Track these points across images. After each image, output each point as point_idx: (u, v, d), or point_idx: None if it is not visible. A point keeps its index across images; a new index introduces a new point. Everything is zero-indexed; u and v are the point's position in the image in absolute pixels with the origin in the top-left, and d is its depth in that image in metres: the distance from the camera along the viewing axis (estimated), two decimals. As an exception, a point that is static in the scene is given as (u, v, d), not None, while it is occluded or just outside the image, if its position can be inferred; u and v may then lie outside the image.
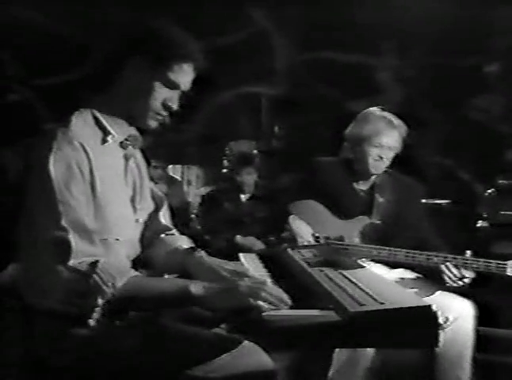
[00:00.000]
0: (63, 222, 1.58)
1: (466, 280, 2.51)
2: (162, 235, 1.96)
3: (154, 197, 1.96)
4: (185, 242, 1.98)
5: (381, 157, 2.76)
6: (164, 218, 1.98)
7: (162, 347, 1.65)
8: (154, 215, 1.94)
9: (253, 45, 5.56)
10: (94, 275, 1.57)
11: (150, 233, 1.93)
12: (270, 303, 1.54)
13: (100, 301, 1.57)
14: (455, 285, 2.52)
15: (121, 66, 1.74)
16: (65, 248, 1.57)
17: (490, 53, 5.35)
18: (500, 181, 3.87)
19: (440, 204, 4.17)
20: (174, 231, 2.00)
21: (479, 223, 3.72)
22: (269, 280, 1.67)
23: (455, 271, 2.50)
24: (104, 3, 5.34)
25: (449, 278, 2.50)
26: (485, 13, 5.19)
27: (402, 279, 2.65)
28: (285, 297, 1.57)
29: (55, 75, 5.47)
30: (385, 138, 2.75)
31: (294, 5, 5.45)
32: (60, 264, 1.57)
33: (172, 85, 1.76)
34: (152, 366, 1.64)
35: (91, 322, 1.61)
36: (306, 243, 2.60)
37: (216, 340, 1.70)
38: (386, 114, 2.80)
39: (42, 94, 5.59)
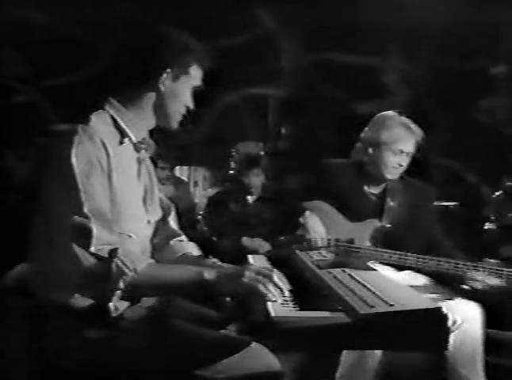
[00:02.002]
0: (85, 210, 1.63)
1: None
2: (172, 241, 2.00)
3: (162, 205, 2.02)
4: (194, 249, 2.02)
5: (400, 165, 2.76)
6: (173, 224, 2.04)
7: (170, 347, 1.67)
8: (163, 221, 2.01)
9: (259, 47, 5.56)
10: (116, 260, 1.61)
11: (160, 238, 1.98)
12: (270, 291, 1.58)
13: (122, 284, 1.61)
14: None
15: (139, 74, 1.80)
16: (86, 235, 1.62)
17: (496, 55, 5.34)
18: (507, 183, 3.86)
19: (447, 206, 4.16)
20: (183, 237, 2.05)
21: (487, 225, 3.71)
22: (275, 271, 1.69)
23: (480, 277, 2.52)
24: (112, 4, 5.35)
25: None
26: (492, 16, 5.18)
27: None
28: (286, 287, 1.63)
29: (62, 76, 5.48)
30: (404, 144, 2.74)
31: (300, 7, 5.46)
32: (82, 250, 1.61)
33: (191, 88, 1.85)
34: (161, 366, 1.66)
35: (111, 307, 1.66)
36: (319, 240, 2.61)
37: (224, 341, 1.72)
38: (404, 120, 2.78)
39: (48, 95, 5.60)
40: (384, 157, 2.75)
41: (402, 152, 2.75)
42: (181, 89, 1.83)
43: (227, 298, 1.80)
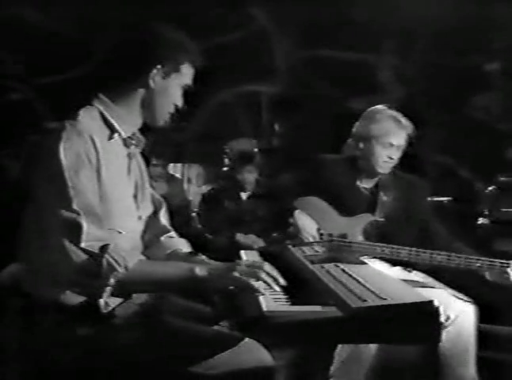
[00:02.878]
0: (75, 206, 1.62)
1: None
2: (162, 237, 2.00)
3: (153, 201, 2.01)
4: (184, 246, 2.02)
5: (391, 158, 2.76)
6: (163, 220, 2.03)
7: (162, 343, 1.67)
8: (153, 217, 2.00)
9: (253, 43, 5.55)
10: (106, 256, 1.61)
11: (150, 234, 1.97)
12: (265, 283, 1.60)
13: (112, 281, 1.61)
14: None
15: (130, 70, 1.80)
16: (77, 231, 1.61)
17: (490, 52, 5.35)
18: (501, 178, 3.87)
19: (441, 202, 4.17)
20: (174, 233, 2.05)
21: (480, 220, 3.72)
22: (266, 263, 1.69)
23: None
24: (105, 2, 5.34)
25: None
26: (485, 12, 5.19)
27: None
28: (281, 278, 1.63)
29: (56, 74, 5.47)
30: (394, 138, 2.75)
31: (294, 3, 5.45)
32: (72, 246, 1.60)
33: (182, 86, 1.84)
34: (153, 363, 1.66)
35: (101, 303, 1.65)
36: (310, 238, 2.61)
37: (217, 337, 1.71)
38: (394, 113, 2.79)
39: (42, 93, 5.59)
40: (375, 151, 2.76)
41: (392, 145, 2.76)
42: (171, 87, 1.81)
43: (219, 295, 1.79)
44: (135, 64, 1.79)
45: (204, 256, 1.92)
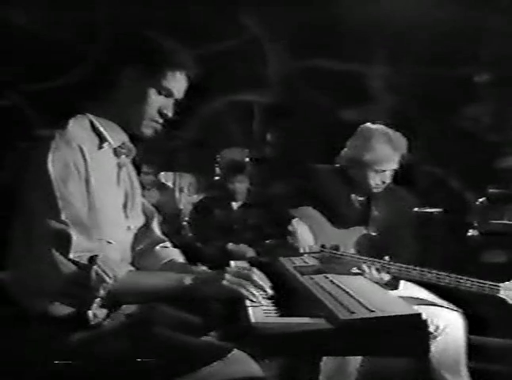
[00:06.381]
0: (63, 217, 1.61)
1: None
2: (157, 247, 2.00)
3: (144, 211, 2.01)
4: (179, 256, 2.02)
5: (384, 182, 2.76)
6: (157, 229, 2.03)
7: (151, 354, 1.65)
8: (146, 227, 1.99)
9: (245, 53, 5.57)
10: (96, 267, 1.60)
11: (144, 244, 1.97)
12: (251, 293, 1.59)
13: (102, 292, 1.60)
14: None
15: (116, 74, 1.78)
16: (65, 242, 1.60)
17: (480, 63, 5.38)
18: (490, 190, 3.89)
19: (431, 213, 4.18)
20: (168, 243, 2.04)
21: (470, 232, 3.74)
22: (255, 270, 1.70)
23: (375, 273, 2.54)
24: (96, 8, 5.34)
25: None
26: (476, 23, 5.22)
27: None
28: (268, 288, 1.64)
29: (45, 81, 5.45)
30: (387, 164, 2.74)
31: (287, 13, 5.47)
32: (61, 257, 1.59)
33: (166, 93, 1.81)
34: (142, 374, 1.64)
35: (90, 314, 1.64)
36: (307, 248, 2.62)
37: (206, 348, 1.70)
38: (388, 135, 2.75)
39: (32, 100, 5.57)
40: (368, 176, 2.75)
41: (384, 171, 2.75)
42: (158, 97, 1.80)
43: (209, 304, 1.79)
44: (124, 72, 1.78)
45: (204, 267, 1.92)
